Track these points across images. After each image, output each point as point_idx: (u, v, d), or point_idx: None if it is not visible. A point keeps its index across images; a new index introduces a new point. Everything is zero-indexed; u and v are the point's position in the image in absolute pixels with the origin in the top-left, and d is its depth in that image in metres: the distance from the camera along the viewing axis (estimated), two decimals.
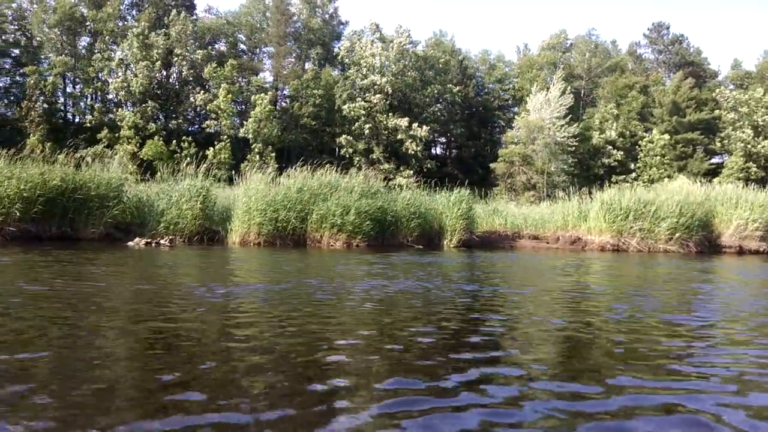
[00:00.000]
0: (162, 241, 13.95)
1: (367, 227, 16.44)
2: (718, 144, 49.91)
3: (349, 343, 4.56)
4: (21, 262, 9.64)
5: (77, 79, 50.22)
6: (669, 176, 43.50)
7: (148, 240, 13.89)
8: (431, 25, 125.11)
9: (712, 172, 46.71)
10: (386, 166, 47.12)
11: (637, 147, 49.83)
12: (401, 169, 47.08)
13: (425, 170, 46.57)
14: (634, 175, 47.93)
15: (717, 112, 50.28)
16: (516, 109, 55.51)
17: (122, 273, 8.75)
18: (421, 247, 17.38)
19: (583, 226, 19.93)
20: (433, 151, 58.17)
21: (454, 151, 59.48)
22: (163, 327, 4.95)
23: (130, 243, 13.69)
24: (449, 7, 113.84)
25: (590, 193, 21.03)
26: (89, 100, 50.63)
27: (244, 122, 46.58)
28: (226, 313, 5.73)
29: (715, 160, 51.87)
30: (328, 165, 18.19)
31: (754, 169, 45.83)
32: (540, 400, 3.25)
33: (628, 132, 50.36)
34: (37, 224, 13.96)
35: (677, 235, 19.14)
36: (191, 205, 15.62)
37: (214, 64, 47.49)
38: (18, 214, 13.50)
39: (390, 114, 48.36)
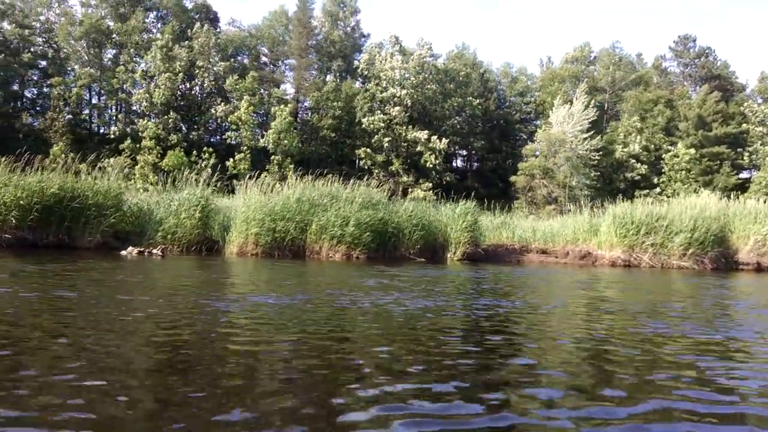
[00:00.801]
0: (154, 251, 13.85)
1: (367, 239, 16.16)
2: (746, 159, 48.64)
3: (370, 360, 4.39)
4: None
5: (102, 91, 51.12)
6: (694, 191, 42.41)
7: (141, 249, 13.80)
8: (454, 39, 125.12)
9: (740, 187, 45.41)
10: (405, 178, 46.91)
11: (661, 161, 48.80)
12: (420, 181, 46.81)
13: (444, 183, 46.20)
14: (658, 189, 46.85)
15: (745, 126, 49.05)
16: (538, 123, 54.93)
17: (70, 283, 8.59)
18: (423, 260, 17.02)
19: (593, 240, 19.38)
20: (453, 164, 57.79)
21: (474, 164, 59.06)
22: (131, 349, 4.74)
23: (123, 252, 13.62)
24: (473, 21, 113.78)
25: (602, 206, 20.49)
26: (113, 111, 51.45)
27: (264, 133, 46.84)
28: (230, 328, 5.50)
29: (744, 175, 50.53)
30: (330, 175, 17.97)
31: None
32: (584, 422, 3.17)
33: (652, 146, 49.37)
34: (34, 232, 13.97)
35: (691, 250, 18.48)
36: (190, 215, 15.53)
37: (235, 76, 47.92)
38: (14, 221, 13.52)
39: (409, 126, 48.19)
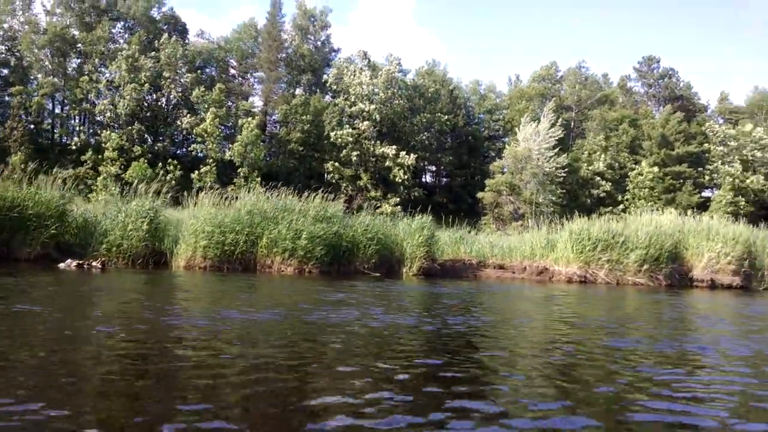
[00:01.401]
0: (94, 264, 13.39)
1: (320, 252, 15.87)
2: (707, 177, 49.56)
3: (336, 380, 4.22)
4: None
5: (65, 101, 50.16)
6: (658, 209, 42.86)
7: (80, 262, 13.32)
8: (425, 55, 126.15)
9: (702, 206, 46.11)
10: (373, 193, 46.75)
11: (626, 179, 49.48)
12: (389, 196, 46.68)
13: (413, 198, 46.11)
14: (622, 207, 47.37)
15: (706, 145, 50.08)
16: (506, 139, 55.35)
17: None
18: (378, 274, 16.78)
19: (550, 256, 19.35)
20: (422, 180, 57.83)
21: (443, 179, 59.18)
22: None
23: (62, 265, 13.11)
24: (444, 38, 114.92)
25: (559, 222, 20.52)
26: (76, 121, 50.48)
27: (231, 146, 46.36)
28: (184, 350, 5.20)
29: (706, 193, 51.48)
30: (284, 188, 17.66)
31: (743, 204, 45.31)
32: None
33: (617, 164, 50.06)
34: None
35: (646, 266, 18.54)
36: (137, 226, 15.07)
37: (202, 88, 47.44)
38: None
39: (378, 141, 48.16)
